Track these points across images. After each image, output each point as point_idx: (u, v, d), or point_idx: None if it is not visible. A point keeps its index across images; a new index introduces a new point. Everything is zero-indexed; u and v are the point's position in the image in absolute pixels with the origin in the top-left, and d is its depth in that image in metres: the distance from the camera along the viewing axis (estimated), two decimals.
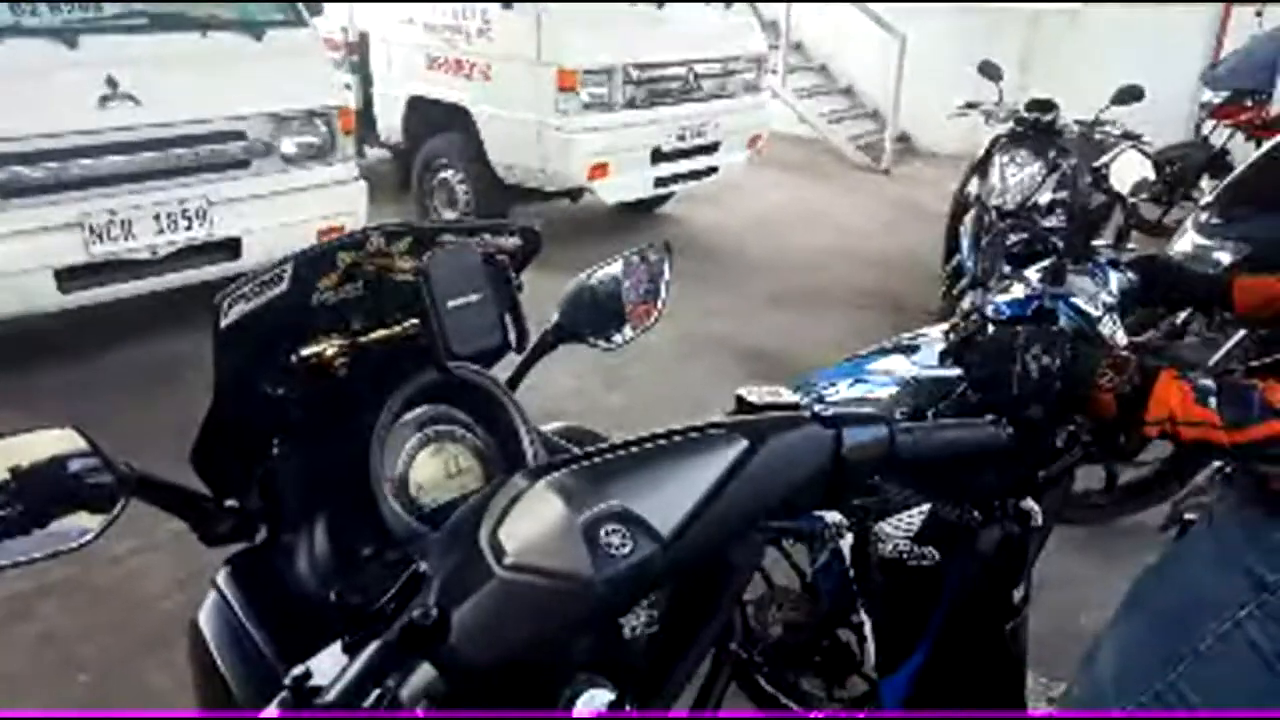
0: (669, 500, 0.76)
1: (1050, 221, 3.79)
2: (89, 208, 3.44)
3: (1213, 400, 1.04)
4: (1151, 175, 2.58)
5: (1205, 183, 5.48)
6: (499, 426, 1.10)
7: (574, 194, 5.45)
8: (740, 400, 0.88)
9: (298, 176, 4.01)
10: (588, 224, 5.93)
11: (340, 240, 0.99)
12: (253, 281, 0.92)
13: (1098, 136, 4.09)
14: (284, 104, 3.94)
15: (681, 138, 5.38)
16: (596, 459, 0.79)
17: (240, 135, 3.81)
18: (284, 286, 0.95)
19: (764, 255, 5.63)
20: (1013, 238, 1.73)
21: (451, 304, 0.99)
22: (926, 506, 1.28)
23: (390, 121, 5.66)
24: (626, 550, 0.71)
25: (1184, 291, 1.60)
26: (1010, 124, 4.07)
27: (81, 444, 0.89)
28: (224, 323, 0.91)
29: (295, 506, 1.04)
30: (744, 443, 0.79)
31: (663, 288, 1.36)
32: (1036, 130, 3.91)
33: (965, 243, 1.63)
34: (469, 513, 0.78)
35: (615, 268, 1.32)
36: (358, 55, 5.71)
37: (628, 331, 1.33)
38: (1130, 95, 4.08)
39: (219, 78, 3.78)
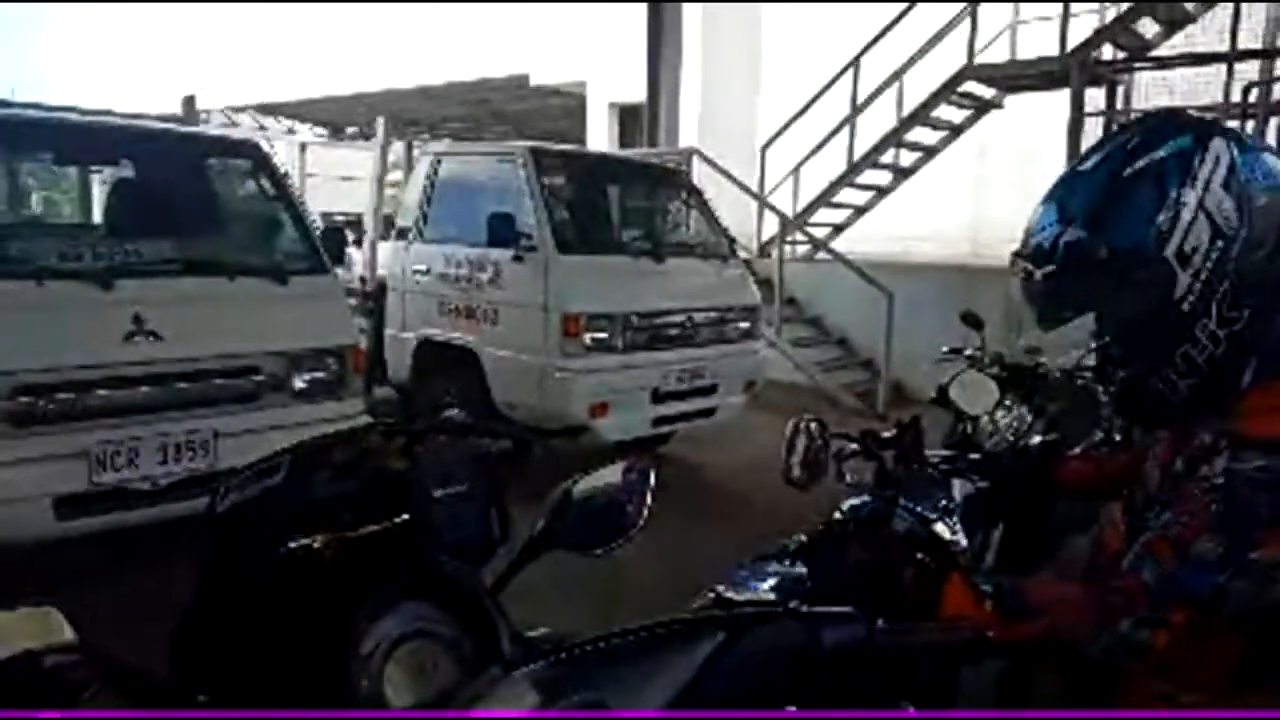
0: (644, 693, 0.75)
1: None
2: (97, 437, 3.45)
3: (988, 603, 1.15)
4: (995, 395, 2.88)
5: None
6: (479, 628, 1.08)
7: (574, 432, 5.56)
8: (718, 597, 0.89)
9: (305, 411, 4.04)
10: (588, 462, 5.98)
11: (339, 434, 1.03)
12: (251, 469, 0.95)
13: (1079, 381, 4.25)
14: (299, 343, 4.06)
15: (680, 379, 5.57)
16: (574, 651, 0.79)
17: (254, 370, 3.90)
18: (280, 478, 0.99)
19: (757, 495, 5.62)
20: (850, 447, 1.89)
21: (439, 493, 1.02)
22: None
23: (400, 361, 5.90)
24: None
25: (1017, 475, 1.77)
26: (995, 369, 4.25)
27: (64, 629, 0.88)
28: (219, 508, 0.93)
29: (268, 704, 0.99)
30: (721, 635, 0.80)
31: (647, 500, 1.35)
32: (1021, 375, 4.09)
33: (784, 449, 1.81)
34: (439, 697, 0.76)
35: (600, 478, 1.34)
36: (375, 301, 6.05)
37: (612, 543, 1.30)
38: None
39: (240, 317, 3.92)
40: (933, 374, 6.55)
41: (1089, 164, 1.29)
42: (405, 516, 1.08)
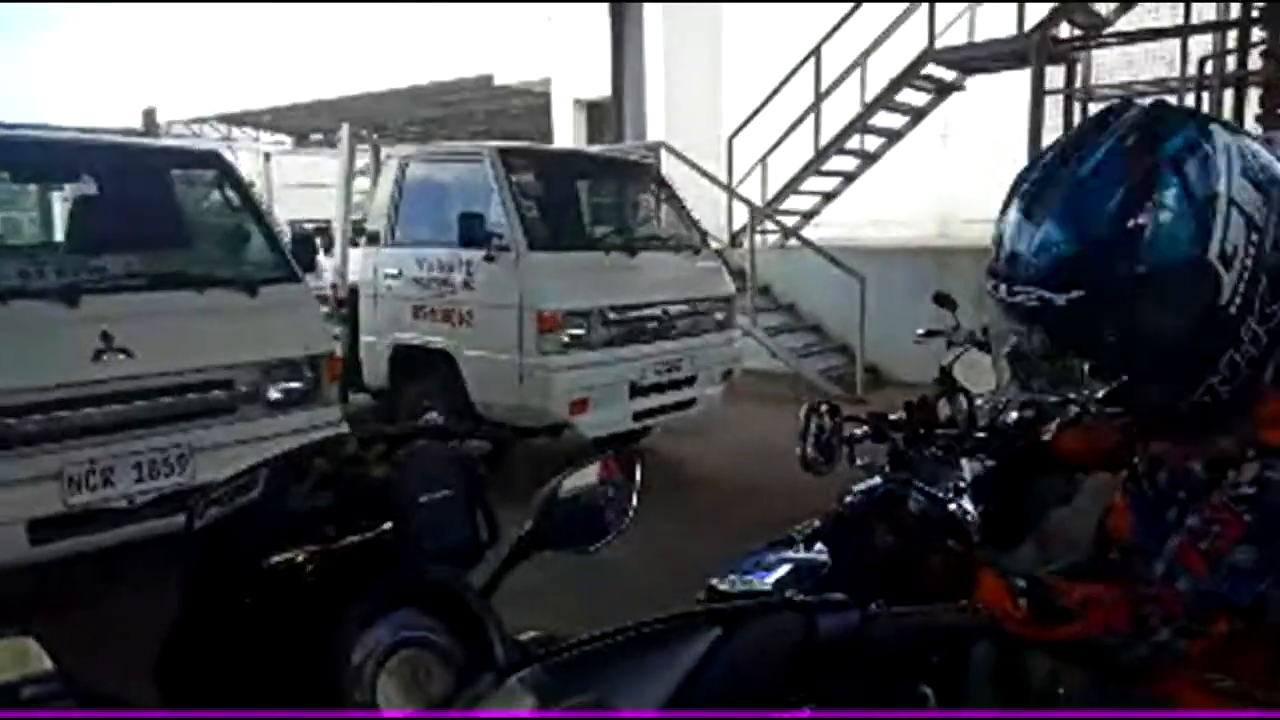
0: (642, 692, 0.75)
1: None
2: (70, 458, 3.38)
3: (1023, 600, 1.15)
4: (992, 379, 2.91)
5: None
6: (471, 633, 1.07)
7: (555, 430, 5.55)
8: (712, 590, 0.88)
9: (282, 421, 4.00)
10: (570, 459, 5.96)
11: (315, 445, 1.02)
12: (227, 485, 0.94)
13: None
14: (273, 352, 4.01)
15: (658, 372, 5.57)
16: (569, 653, 0.79)
17: (228, 384, 3.85)
18: (257, 492, 0.98)
19: (742, 484, 5.64)
20: (858, 430, 1.89)
21: (422, 499, 1.02)
22: None
23: (376, 367, 5.85)
24: None
25: (1017, 455, 1.77)
26: (971, 349, 4.27)
27: (43, 658, 0.86)
28: (197, 525, 0.92)
29: None
30: (717, 630, 0.79)
31: (632, 495, 1.36)
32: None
33: (799, 433, 1.81)
34: (433, 707, 0.75)
35: (585, 476, 1.33)
36: (348, 308, 6.00)
37: (601, 540, 1.31)
38: None
39: (211, 330, 3.86)
40: (908, 356, 6.60)
41: (1085, 167, 1.14)
42: (389, 525, 1.06)
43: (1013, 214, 1.19)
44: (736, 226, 9.98)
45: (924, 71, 9.44)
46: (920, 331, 4.98)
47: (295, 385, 4.10)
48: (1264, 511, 1.08)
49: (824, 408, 1.82)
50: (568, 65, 12.71)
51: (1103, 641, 1.14)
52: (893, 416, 1.85)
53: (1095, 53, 8.65)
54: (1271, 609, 1.08)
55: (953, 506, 1.66)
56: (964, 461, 1.86)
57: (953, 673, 1.33)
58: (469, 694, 0.76)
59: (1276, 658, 1.15)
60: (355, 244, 6.23)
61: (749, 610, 0.84)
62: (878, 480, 1.78)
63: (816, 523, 1.85)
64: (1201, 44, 7.71)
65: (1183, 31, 7.52)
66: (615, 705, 0.72)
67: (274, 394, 4.02)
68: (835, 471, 1.85)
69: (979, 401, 4.22)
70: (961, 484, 1.80)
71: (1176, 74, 7.54)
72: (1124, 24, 8.74)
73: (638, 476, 1.39)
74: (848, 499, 1.75)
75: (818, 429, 1.79)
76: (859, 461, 1.84)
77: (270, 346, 4.03)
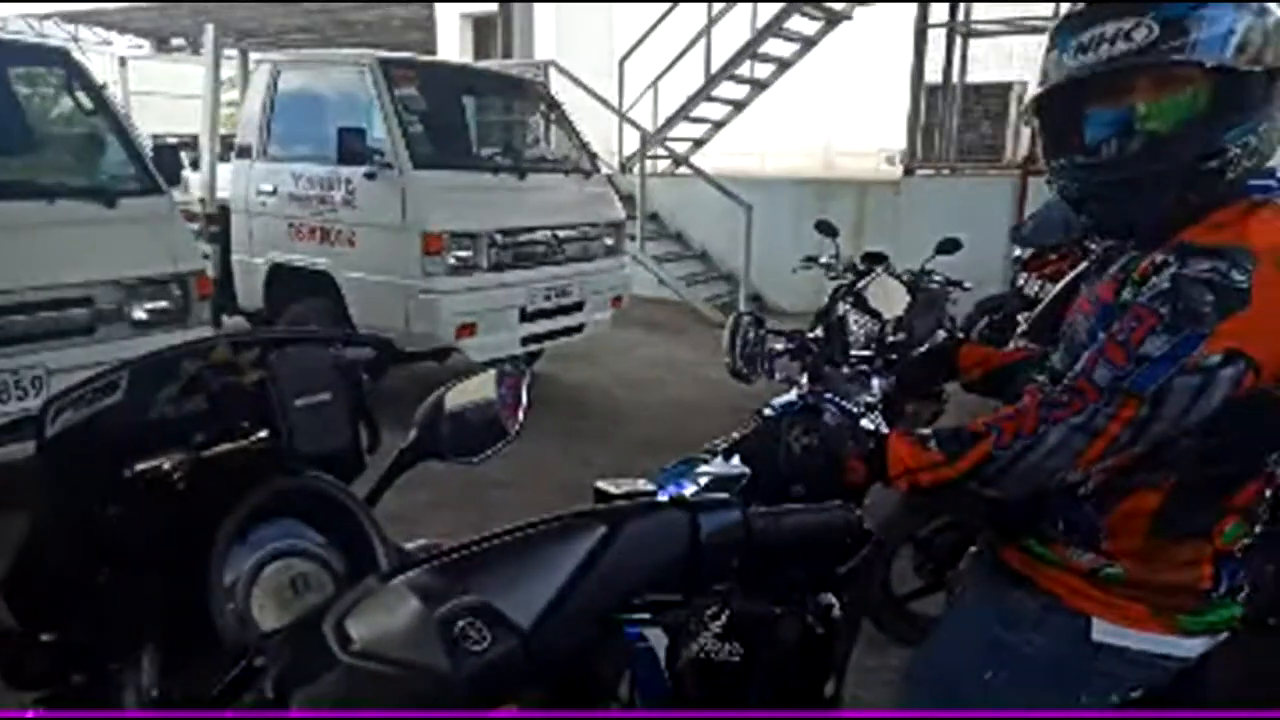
0: (528, 591, 0.75)
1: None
2: None
3: (932, 443, 1.24)
4: (905, 300, 3.06)
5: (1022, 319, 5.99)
6: (352, 542, 1.05)
7: (441, 354, 5.46)
8: (598, 491, 0.89)
9: (148, 342, 3.75)
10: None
11: (182, 347, 0.96)
12: (84, 388, 0.88)
13: (925, 283, 4.48)
14: (135, 270, 3.81)
15: (547, 297, 5.53)
16: (452, 555, 0.78)
17: (87, 301, 3.65)
18: (118, 396, 0.92)
19: (632, 408, 5.73)
20: (778, 346, 1.97)
21: (299, 403, 0.98)
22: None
23: (251, 288, 5.60)
24: (484, 645, 0.70)
25: (924, 369, 1.84)
26: (849, 275, 4.42)
27: None
28: (49, 432, 0.86)
29: (122, 640, 0.94)
30: (601, 529, 0.80)
31: (519, 409, 1.34)
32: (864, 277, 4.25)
33: (725, 343, 1.87)
34: (313, 611, 0.75)
35: (472, 385, 1.32)
36: (218, 225, 5.68)
37: (484, 452, 1.29)
38: (951, 246, 4.53)
39: (65, 244, 3.64)
40: (790, 285, 6.76)
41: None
42: (264, 432, 1.02)
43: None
44: (627, 152, 9.89)
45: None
46: (801, 259, 5.11)
47: (162, 305, 3.92)
48: (1174, 304, 1.14)
49: (747, 319, 1.87)
50: None
51: (1006, 458, 1.17)
52: (811, 335, 1.91)
53: None
54: (1171, 401, 1.13)
55: (864, 421, 1.71)
56: (874, 380, 1.96)
57: (858, 581, 1.38)
58: (351, 596, 0.75)
59: (1156, 513, 1.24)
60: (224, 159, 5.88)
61: (633, 509, 0.84)
62: (794, 394, 1.85)
63: (735, 435, 1.92)
64: None
65: None
66: (502, 605, 0.72)
67: (138, 314, 3.84)
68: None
69: (854, 324, 4.39)
70: (871, 399, 1.91)
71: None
72: None
73: (524, 390, 1.37)
74: (766, 411, 1.82)
75: (743, 340, 1.84)
76: (778, 376, 1.90)
77: (132, 263, 3.83)
